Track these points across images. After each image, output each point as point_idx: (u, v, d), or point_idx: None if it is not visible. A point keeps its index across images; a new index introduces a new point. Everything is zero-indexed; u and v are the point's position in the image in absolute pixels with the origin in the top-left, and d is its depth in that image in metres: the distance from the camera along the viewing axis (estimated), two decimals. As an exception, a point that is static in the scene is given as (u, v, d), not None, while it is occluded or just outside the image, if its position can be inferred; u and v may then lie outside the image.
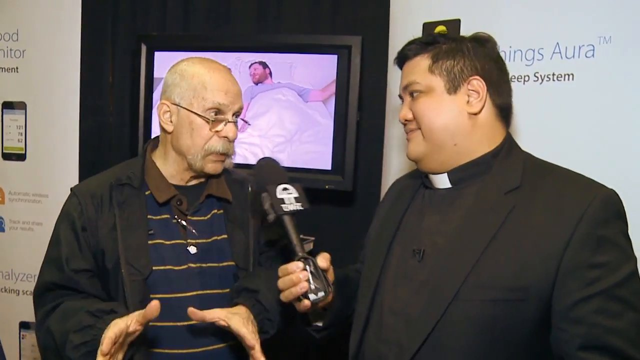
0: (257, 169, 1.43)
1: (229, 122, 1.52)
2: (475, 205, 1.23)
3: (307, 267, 1.26)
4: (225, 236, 1.55)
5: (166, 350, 1.44)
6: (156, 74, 2.57)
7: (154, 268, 1.45)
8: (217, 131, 1.51)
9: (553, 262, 1.11)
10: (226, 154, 1.55)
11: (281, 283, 1.28)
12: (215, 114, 1.50)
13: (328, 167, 2.42)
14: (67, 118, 2.72)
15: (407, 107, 1.32)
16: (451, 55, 1.27)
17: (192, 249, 1.51)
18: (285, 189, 1.33)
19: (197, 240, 1.52)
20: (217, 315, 1.34)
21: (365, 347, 1.33)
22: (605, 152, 1.62)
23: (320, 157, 2.44)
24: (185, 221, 1.53)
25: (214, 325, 1.40)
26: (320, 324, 1.41)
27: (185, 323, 1.44)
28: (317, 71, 2.41)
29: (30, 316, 2.81)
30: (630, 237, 1.16)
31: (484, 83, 1.27)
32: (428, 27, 1.95)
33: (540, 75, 1.74)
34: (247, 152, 2.48)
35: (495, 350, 1.14)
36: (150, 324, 1.41)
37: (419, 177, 1.42)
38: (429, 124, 1.28)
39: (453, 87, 1.27)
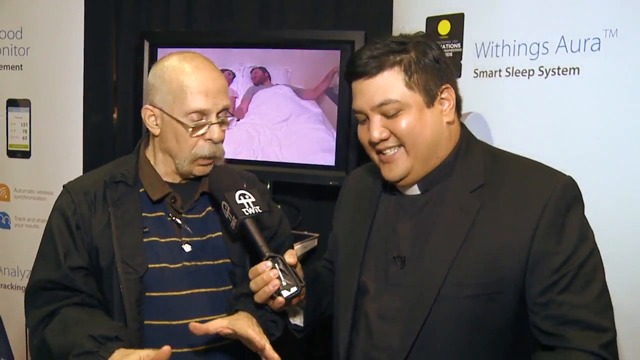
0: (211, 179, 1.47)
1: (212, 124, 1.46)
2: (445, 208, 1.27)
3: (276, 265, 1.30)
4: (220, 233, 1.53)
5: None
6: (159, 71, 2.56)
7: (149, 266, 1.44)
8: (202, 134, 1.46)
9: (523, 252, 1.19)
10: (214, 157, 1.50)
11: (253, 285, 1.32)
12: (199, 118, 1.45)
13: (332, 163, 2.42)
14: (71, 115, 2.73)
15: (379, 126, 1.25)
16: (422, 68, 1.24)
17: (187, 247, 1.49)
18: (242, 195, 1.38)
19: (192, 238, 1.50)
20: (220, 324, 1.32)
21: (354, 354, 1.35)
22: (611, 146, 1.60)
23: (324, 153, 2.43)
24: (179, 219, 1.51)
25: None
26: (299, 322, 1.43)
27: (180, 322, 1.43)
28: (311, 73, 2.44)
29: (36, 313, 2.83)
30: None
31: (452, 89, 1.28)
32: (431, 21, 1.94)
33: (545, 70, 1.72)
34: (250, 129, 2.55)
35: (481, 342, 1.22)
36: (145, 322, 1.42)
37: (377, 178, 1.39)
38: (415, 141, 1.25)
39: (431, 100, 1.25)
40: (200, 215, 1.54)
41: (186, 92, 1.43)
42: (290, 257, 1.32)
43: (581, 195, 1.23)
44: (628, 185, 1.57)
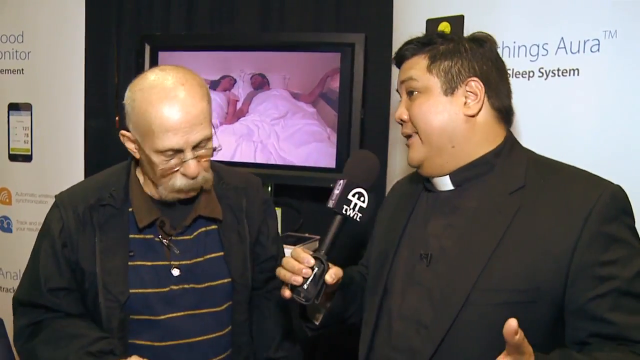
0: (351, 159, 1.34)
1: (186, 160, 1.36)
2: (480, 207, 1.22)
3: (315, 268, 1.22)
4: (221, 253, 1.50)
5: None
6: (160, 74, 2.58)
7: (132, 291, 1.41)
8: (176, 170, 1.38)
9: (563, 262, 1.11)
10: (192, 189, 1.42)
11: (285, 261, 1.26)
12: (171, 155, 1.35)
13: (332, 165, 2.42)
14: (72, 119, 2.74)
15: (403, 107, 1.31)
16: (449, 56, 1.25)
17: (175, 272, 1.45)
18: (359, 194, 1.26)
19: (180, 262, 1.46)
20: None
21: (374, 354, 1.32)
22: (611, 148, 1.60)
23: (324, 155, 2.44)
24: (169, 242, 1.46)
25: (196, 345, 1.42)
26: (315, 321, 1.40)
27: (166, 343, 1.43)
28: (311, 75, 2.47)
29: (38, 316, 2.84)
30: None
31: (482, 85, 1.25)
32: (431, 23, 1.94)
33: (545, 71, 1.72)
34: (251, 125, 2.60)
35: None
36: (131, 341, 1.42)
37: (419, 181, 1.39)
38: (425, 126, 1.26)
39: (450, 88, 1.25)
40: (191, 237, 1.49)
41: (154, 131, 1.32)
42: (331, 275, 1.23)
43: (631, 207, 1.16)
44: (628, 187, 1.57)
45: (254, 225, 1.57)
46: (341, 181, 1.25)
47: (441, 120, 1.25)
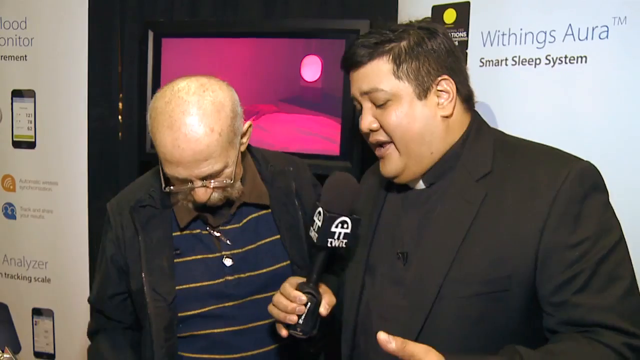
0: (328, 185, 1.25)
1: (194, 188, 1.32)
2: (449, 198, 1.19)
3: (308, 304, 1.22)
4: (277, 236, 1.49)
5: (198, 355, 1.45)
6: (163, 61, 2.56)
7: (181, 287, 1.41)
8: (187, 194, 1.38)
9: (531, 247, 1.08)
10: (212, 204, 1.40)
11: (276, 300, 1.26)
12: (180, 182, 1.33)
13: (336, 152, 2.41)
14: (75, 105, 2.73)
15: (370, 116, 1.22)
16: (414, 56, 1.17)
17: (228, 262, 1.44)
18: (343, 222, 1.18)
19: (232, 251, 1.45)
20: None
21: (357, 355, 1.31)
22: (618, 136, 1.59)
23: (328, 142, 2.43)
24: (217, 232, 1.46)
25: (259, 330, 1.43)
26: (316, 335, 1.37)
27: (227, 329, 1.43)
28: (316, 62, 2.43)
29: (42, 302, 2.86)
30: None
31: (452, 81, 1.20)
32: (437, 10, 1.92)
33: (553, 58, 1.70)
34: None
35: (486, 342, 1.11)
36: (181, 335, 1.43)
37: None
38: (403, 135, 1.19)
39: (423, 91, 1.18)
40: (240, 225, 1.48)
41: (159, 156, 1.32)
42: (325, 307, 1.24)
43: (603, 183, 1.12)
44: (635, 174, 1.55)
45: (307, 206, 1.55)
46: (321, 209, 1.19)
47: (420, 127, 1.19)
